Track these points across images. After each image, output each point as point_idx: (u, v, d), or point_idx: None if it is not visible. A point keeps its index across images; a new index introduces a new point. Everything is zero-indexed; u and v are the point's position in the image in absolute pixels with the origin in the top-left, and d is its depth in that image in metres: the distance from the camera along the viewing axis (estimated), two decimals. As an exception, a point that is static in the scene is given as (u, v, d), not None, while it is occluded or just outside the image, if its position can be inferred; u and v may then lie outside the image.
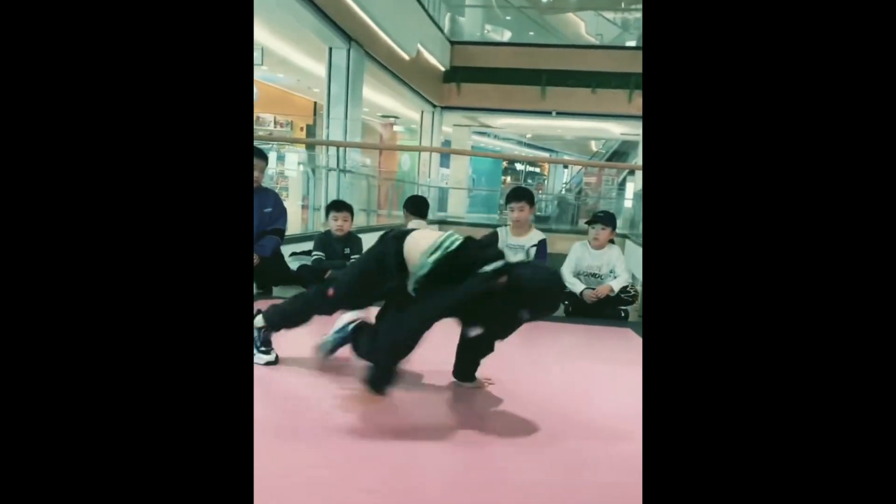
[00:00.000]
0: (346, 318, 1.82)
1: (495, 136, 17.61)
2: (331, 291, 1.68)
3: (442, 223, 12.32)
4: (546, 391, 1.85)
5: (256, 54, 7.67)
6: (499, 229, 3.24)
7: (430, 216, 11.56)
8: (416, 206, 3.48)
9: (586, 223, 3.23)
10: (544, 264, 1.47)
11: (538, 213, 11.39)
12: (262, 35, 8.01)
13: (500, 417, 1.61)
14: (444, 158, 14.80)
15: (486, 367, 1.79)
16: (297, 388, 1.68)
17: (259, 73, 10.60)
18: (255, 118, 11.52)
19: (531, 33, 14.87)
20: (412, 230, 1.65)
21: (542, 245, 3.19)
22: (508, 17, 14.79)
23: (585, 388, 1.95)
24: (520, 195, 3.12)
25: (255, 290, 3.25)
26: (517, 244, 3.13)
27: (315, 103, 12.72)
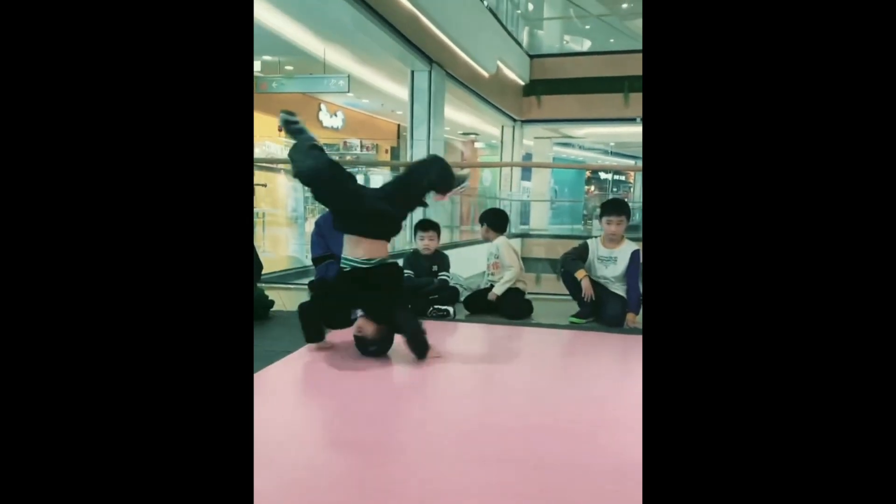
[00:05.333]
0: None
1: (579, 147, 17.32)
2: None
3: (524, 236, 12.24)
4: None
5: (342, 82, 8.00)
6: (589, 241, 3.15)
7: (514, 229, 11.54)
8: (498, 221, 3.47)
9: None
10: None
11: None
12: (348, 63, 8.40)
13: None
14: (526, 171, 14.74)
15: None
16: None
17: (345, 100, 11.12)
18: (342, 143, 12.04)
19: (612, 40, 14.54)
20: None
21: (635, 256, 3.09)
22: (588, 27, 14.58)
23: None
24: (619, 209, 3.04)
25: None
26: (609, 255, 3.05)
27: (399, 125, 13.14)
